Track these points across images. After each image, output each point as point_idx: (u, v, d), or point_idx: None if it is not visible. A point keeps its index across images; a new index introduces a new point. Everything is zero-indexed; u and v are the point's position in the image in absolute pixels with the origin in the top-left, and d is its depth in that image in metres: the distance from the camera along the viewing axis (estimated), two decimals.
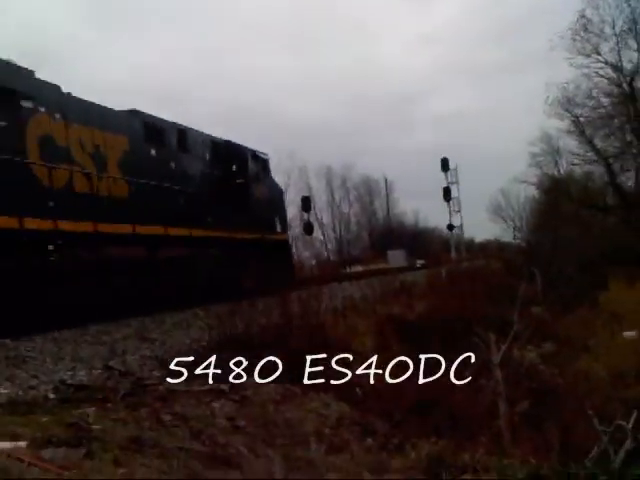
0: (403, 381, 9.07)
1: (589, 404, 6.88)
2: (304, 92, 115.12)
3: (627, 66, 30.55)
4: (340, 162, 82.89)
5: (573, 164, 36.40)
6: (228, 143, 20.11)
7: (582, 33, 30.40)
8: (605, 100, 31.64)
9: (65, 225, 11.96)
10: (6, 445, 3.85)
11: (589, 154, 33.30)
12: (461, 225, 50.48)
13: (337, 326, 12.33)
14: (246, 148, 20.67)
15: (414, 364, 9.97)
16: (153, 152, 15.57)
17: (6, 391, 6.35)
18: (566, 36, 30.75)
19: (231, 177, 19.42)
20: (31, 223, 11.12)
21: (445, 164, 42.94)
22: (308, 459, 5.64)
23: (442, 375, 9.36)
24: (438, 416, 7.71)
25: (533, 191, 48.13)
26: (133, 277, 13.73)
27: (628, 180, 33.32)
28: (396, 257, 59.66)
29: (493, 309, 15.92)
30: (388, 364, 10.59)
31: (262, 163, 21.81)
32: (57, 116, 12.37)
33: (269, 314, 10.78)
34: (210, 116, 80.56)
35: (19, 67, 11.89)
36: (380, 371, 9.55)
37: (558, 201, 37.59)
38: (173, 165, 16.48)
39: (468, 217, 66.77)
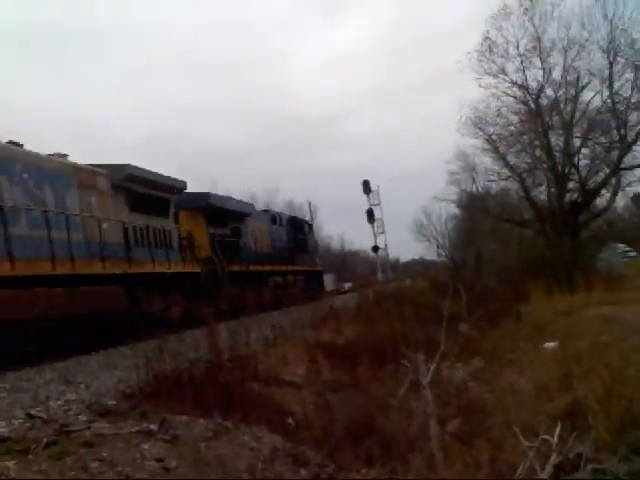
0: (334, 408, 9.07)
1: (516, 419, 7.03)
2: (218, 118, 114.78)
3: (532, 84, 31.73)
4: (263, 187, 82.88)
5: (489, 180, 37.44)
6: (295, 217, 38.70)
7: (487, 54, 31.40)
8: (514, 118, 32.78)
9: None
10: None
11: (503, 170, 34.36)
12: (386, 246, 51.37)
13: (268, 356, 12.25)
14: (303, 219, 40.45)
15: (345, 390, 10.01)
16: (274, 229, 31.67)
17: None
18: (473, 57, 31.71)
19: (298, 237, 35.01)
20: None
21: (367, 186, 43.64)
22: None
23: (373, 400, 9.42)
24: (370, 442, 7.75)
25: (453, 208, 49.23)
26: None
27: (541, 194, 34.48)
28: (327, 281, 59.98)
29: (421, 329, 16.12)
30: (320, 391, 10.62)
31: (309, 226, 39.87)
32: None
33: (197, 348, 10.65)
34: (130, 146, 79.20)
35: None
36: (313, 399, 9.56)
37: (477, 217, 38.56)
38: (280, 234, 32.44)
39: (393, 237, 67.79)
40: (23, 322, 12.22)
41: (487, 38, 31.24)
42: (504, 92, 32.03)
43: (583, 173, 32.11)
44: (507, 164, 33.53)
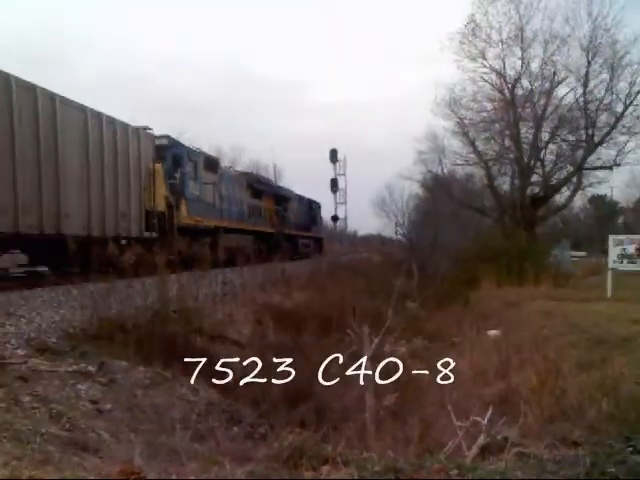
0: (273, 371, 9.13)
1: (450, 399, 7.17)
2: (180, 65, 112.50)
3: (510, 73, 31.93)
4: (230, 143, 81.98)
5: (456, 164, 37.67)
6: (311, 200, 46.32)
7: (470, 37, 31.43)
8: (488, 105, 32.94)
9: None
10: None
11: (471, 156, 34.61)
12: (345, 217, 51.62)
13: (215, 312, 12.25)
14: (316, 201, 47.72)
15: (288, 354, 10.07)
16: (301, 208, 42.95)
17: None
18: (455, 38, 31.69)
19: (311, 214, 45.30)
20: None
21: (334, 155, 43.59)
22: (171, 446, 5.60)
23: (313, 366, 9.51)
24: (306, 408, 7.84)
25: (417, 188, 49.51)
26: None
27: (504, 184, 34.88)
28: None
29: (370, 302, 16.28)
30: (263, 352, 10.67)
31: (319, 206, 48.22)
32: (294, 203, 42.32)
33: (146, 296, 10.60)
34: (85, 85, 77.17)
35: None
36: (254, 359, 9.59)
37: (439, 200, 38.86)
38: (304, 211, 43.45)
39: (353, 209, 67.74)
40: None
41: (472, 21, 31.24)
42: (481, 77, 32.16)
43: (547, 168, 32.56)
44: (475, 150, 33.76)
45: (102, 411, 6.01)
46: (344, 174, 44.33)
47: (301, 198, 43.99)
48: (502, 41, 31.31)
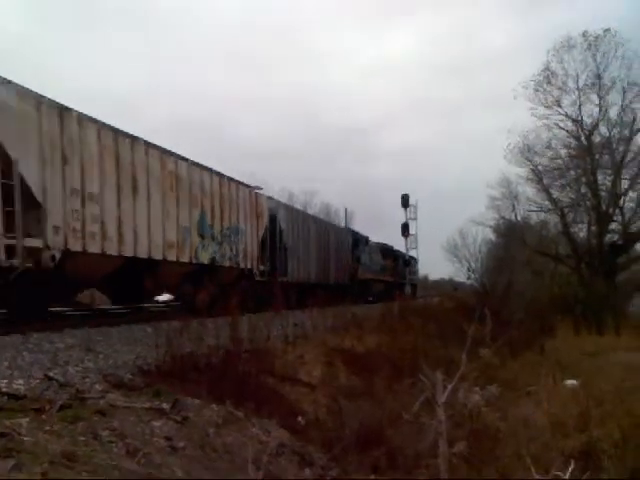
0: (346, 413, 9.04)
1: (528, 451, 6.93)
2: (255, 113, 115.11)
3: (587, 120, 31.50)
4: (301, 188, 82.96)
5: (530, 211, 37.14)
6: (412, 257, 49.79)
7: (545, 85, 31.23)
8: (563, 152, 32.48)
9: None
10: None
11: (545, 203, 34.07)
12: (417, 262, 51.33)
13: (286, 354, 12.26)
14: (415, 258, 51.46)
15: (359, 397, 9.97)
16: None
17: None
18: (529, 86, 31.50)
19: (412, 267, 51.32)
20: None
21: (405, 200, 43.44)
22: None
23: (385, 410, 9.36)
24: (378, 452, 7.70)
25: (489, 233, 48.84)
26: None
27: (580, 231, 34.09)
28: None
29: (443, 348, 15.99)
30: (333, 395, 10.59)
31: (416, 261, 52.93)
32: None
33: (218, 335, 10.71)
34: (160, 127, 79.73)
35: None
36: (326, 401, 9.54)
37: (513, 246, 38.21)
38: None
39: (424, 253, 67.11)
40: None
41: (547, 69, 31.02)
42: (557, 124, 31.77)
43: (627, 216, 31.67)
44: (550, 197, 33.24)
45: (176, 448, 6.05)
46: (415, 219, 44.08)
47: (405, 256, 51.20)
48: (579, 88, 31.06)
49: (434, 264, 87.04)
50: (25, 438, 4.66)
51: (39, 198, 12.15)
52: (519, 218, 39.50)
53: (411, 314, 23.68)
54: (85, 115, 13.82)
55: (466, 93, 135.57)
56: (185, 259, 17.79)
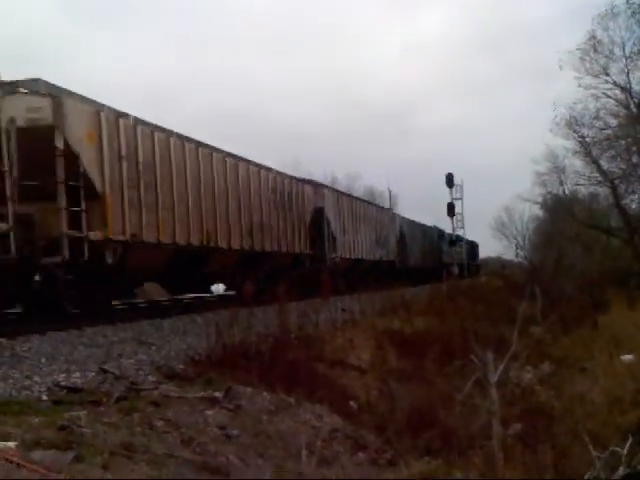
0: (398, 396, 9.03)
1: (584, 428, 6.84)
2: (290, 97, 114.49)
3: (636, 88, 30.56)
4: (344, 171, 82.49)
5: (578, 184, 36.26)
6: (474, 242, 61.48)
7: (591, 53, 30.43)
8: (612, 121, 31.62)
9: None
10: None
11: (594, 175, 33.26)
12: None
13: (335, 338, 12.30)
14: (476, 243, 64.14)
15: (410, 380, 9.96)
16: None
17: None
18: (575, 55, 30.75)
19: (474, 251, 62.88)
20: None
21: (450, 180, 42.94)
22: (299, 472, 5.63)
23: (437, 392, 9.33)
24: (431, 434, 7.68)
25: (537, 210, 48.06)
26: None
27: (632, 202, 33.25)
28: None
29: (492, 327, 15.85)
30: (383, 378, 10.59)
31: (477, 245, 65.39)
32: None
33: (267, 324, 10.80)
34: (195, 117, 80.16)
35: None
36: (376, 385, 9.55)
37: (561, 221, 37.54)
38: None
39: (470, 232, 66.51)
40: None
41: (592, 37, 30.26)
42: (604, 94, 30.95)
43: None
44: (600, 169, 32.42)
45: (230, 436, 6.12)
46: (461, 198, 43.57)
47: (469, 241, 55.98)
48: (626, 56, 30.14)
49: (481, 243, 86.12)
50: (84, 430, 4.76)
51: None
52: (567, 192, 38.72)
53: (460, 294, 23.50)
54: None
55: (506, 68, 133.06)
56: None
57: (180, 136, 16.25)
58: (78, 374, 7.41)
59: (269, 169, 21.74)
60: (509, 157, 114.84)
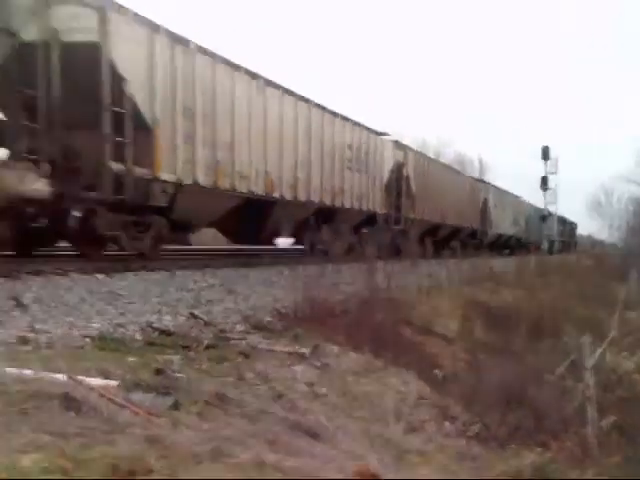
0: (485, 369, 8.77)
1: None
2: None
3: None
4: (435, 135, 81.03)
5: None
6: (572, 222, 68.09)
7: None
8: None
9: None
10: (97, 382, 3.83)
11: None
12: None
13: (421, 304, 12.07)
14: (574, 223, 69.11)
15: (499, 353, 9.66)
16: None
17: (97, 325, 6.44)
18: None
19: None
20: None
21: (545, 153, 41.57)
22: (386, 437, 5.49)
23: (527, 369, 9.00)
24: (520, 412, 7.40)
25: (638, 191, 46.03)
26: None
27: None
28: None
29: (584, 307, 15.27)
30: (471, 349, 10.33)
31: (575, 226, 72.36)
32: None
33: (354, 282, 10.67)
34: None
35: None
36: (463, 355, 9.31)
37: None
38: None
39: (562, 208, 64.40)
40: None
41: None
42: None
43: None
44: None
45: (318, 395, 6.03)
46: (555, 172, 42.16)
47: (564, 219, 60.85)
48: None
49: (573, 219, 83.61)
50: (179, 375, 4.74)
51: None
52: None
53: (549, 271, 22.79)
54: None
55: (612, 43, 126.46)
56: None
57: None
58: (169, 317, 7.47)
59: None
60: (610, 135, 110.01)
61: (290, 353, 7.06)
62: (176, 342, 6.29)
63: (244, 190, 14.56)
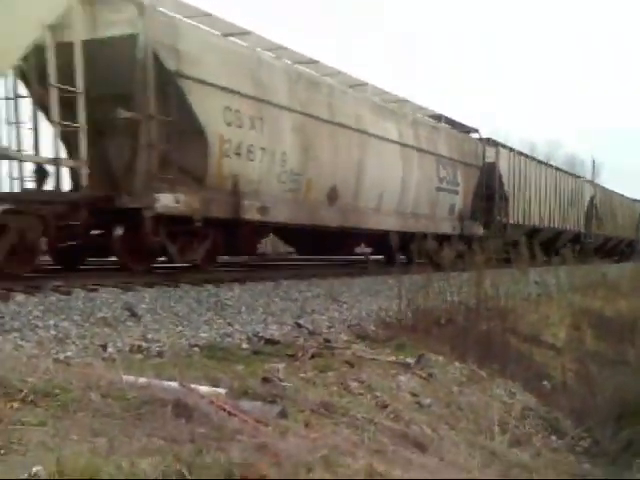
0: (597, 382, 8.49)
1: None
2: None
3: None
4: (544, 138, 78.68)
5: None
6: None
7: None
8: None
9: None
10: (206, 389, 3.99)
11: None
12: None
13: (529, 313, 11.79)
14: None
15: (611, 364, 9.33)
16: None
17: (205, 334, 6.68)
18: None
19: None
20: None
21: None
22: (490, 449, 5.42)
23: None
24: (635, 428, 7.12)
25: None
26: None
27: None
28: None
29: None
30: (581, 359, 10.02)
31: None
32: None
33: (459, 291, 10.54)
34: None
35: None
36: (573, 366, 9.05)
37: None
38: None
39: None
40: None
41: None
42: None
43: None
44: None
45: (422, 405, 6.03)
46: None
47: None
48: None
49: None
50: (284, 384, 4.87)
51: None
52: None
53: None
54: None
55: None
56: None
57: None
58: (275, 326, 7.63)
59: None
60: None
61: (394, 363, 7.08)
62: (281, 351, 6.43)
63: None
